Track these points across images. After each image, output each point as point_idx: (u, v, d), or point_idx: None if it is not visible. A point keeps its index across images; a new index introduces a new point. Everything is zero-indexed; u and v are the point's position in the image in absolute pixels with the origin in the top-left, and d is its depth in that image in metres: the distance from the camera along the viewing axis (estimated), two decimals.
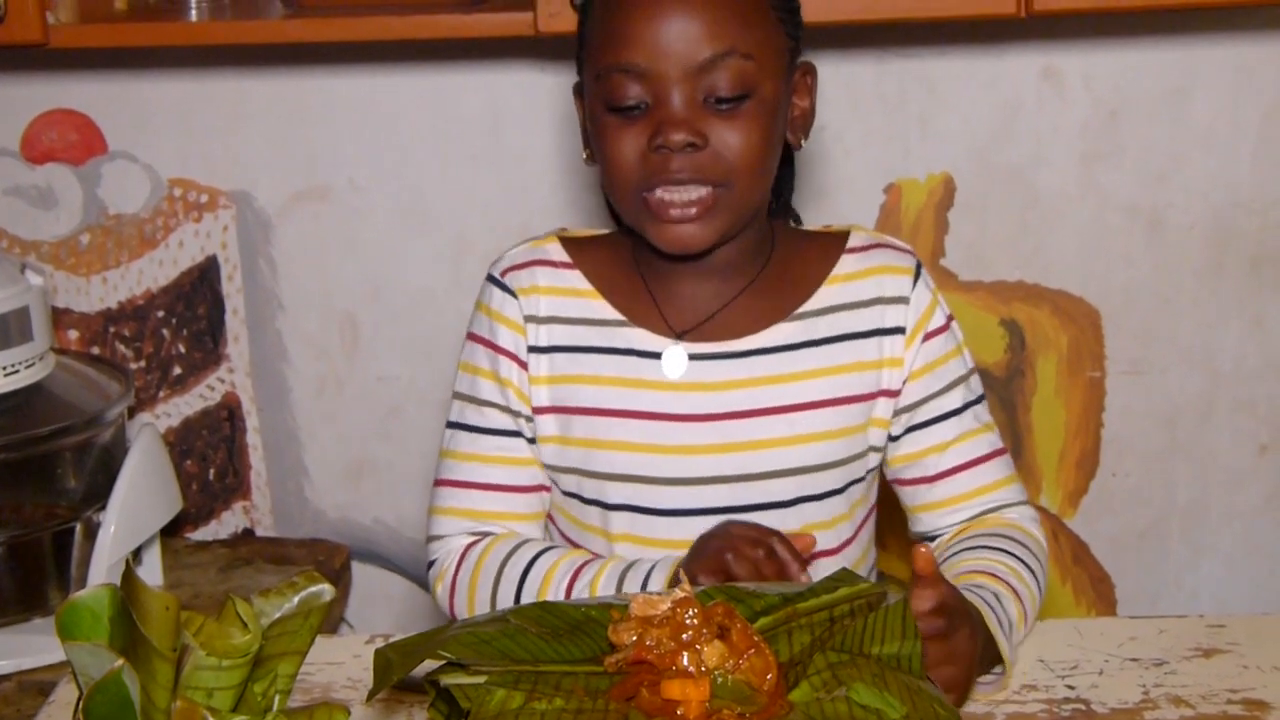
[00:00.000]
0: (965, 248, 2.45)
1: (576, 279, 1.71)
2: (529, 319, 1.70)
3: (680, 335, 1.67)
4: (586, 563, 1.63)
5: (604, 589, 1.59)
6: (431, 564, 1.72)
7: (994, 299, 2.46)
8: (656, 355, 1.67)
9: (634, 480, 1.66)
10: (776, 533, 1.53)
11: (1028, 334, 2.47)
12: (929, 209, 2.44)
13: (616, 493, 1.67)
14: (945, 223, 2.44)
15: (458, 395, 1.74)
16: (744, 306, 1.69)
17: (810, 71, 1.68)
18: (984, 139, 2.41)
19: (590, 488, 1.69)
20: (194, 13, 2.31)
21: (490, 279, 1.74)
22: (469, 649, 1.31)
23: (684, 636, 1.29)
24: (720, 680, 1.28)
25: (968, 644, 1.47)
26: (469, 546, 1.70)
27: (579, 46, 1.67)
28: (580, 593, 1.60)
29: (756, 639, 1.30)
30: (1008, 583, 1.61)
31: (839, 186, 2.43)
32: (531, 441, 1.71)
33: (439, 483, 1.73)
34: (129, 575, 0.91)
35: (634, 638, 1.30)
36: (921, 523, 1.77)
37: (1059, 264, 2.45)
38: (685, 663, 1.28)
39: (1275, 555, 2.55)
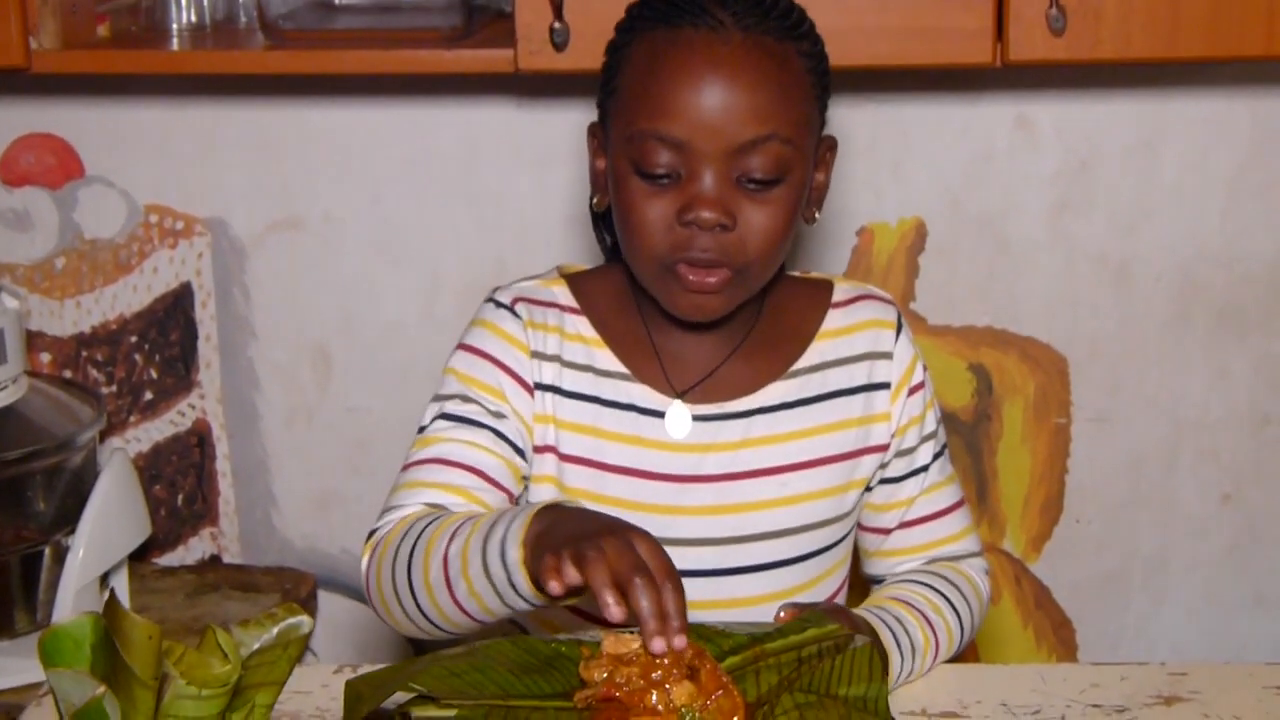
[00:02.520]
0: (935, 292, 2.47)
1: (583, 325, 1.69)
2: (535, 354, 1.67)
3: (681, 394, 1.67)
4: (464, 523, 1.51)
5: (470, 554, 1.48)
6: (371, 534, 1.61)
7: (962, 344, 2.48)
8: (659, 414, 1.66)
9: None
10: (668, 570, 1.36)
11: (995, 379, 2.49)
12: (900, 253, 2.46)
13: None
14: (916, 267, 2.46)
15: (438, 397, 1.68)
16: (741, 364, 1.69)
17: (832, 147, 1.68)
18: (956, 185, 2.44)
19: None
20: (175, 41, 2.32)
21: (497, 303, 1.71)
22: (440, 682, 1.32)
23: (654, 675, 1.30)
24: (688, 719, 1.29)
25: (851, 624, 1.51)
26: (414, 514, 1.60)
27: (605, 90, 1.65)
28: (454, 545, 1.50)
29: (725, 680, 1.31)
30: (922, 614, 1.65)
31: (811, 229, 2.44)
32: (517, 452, 1.66)
33: (404, 467, 1.66)
34: (112, 603, 0.92)
35: (604, 675, 1.32)
36: (873, 566, 1.79)
37: (1027, 311, 2.47)
38: (654, 701, 1.29)
39: (1235, 605, 2.57)
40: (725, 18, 1.56)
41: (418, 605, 1.53)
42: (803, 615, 1.44)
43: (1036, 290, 2.47)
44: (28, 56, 2.11)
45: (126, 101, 2.45)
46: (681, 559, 1.59)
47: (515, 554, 1.41)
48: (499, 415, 1.66)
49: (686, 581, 1.59)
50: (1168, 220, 2.44)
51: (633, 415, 1.67)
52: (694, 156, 1.54)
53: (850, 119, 2.41)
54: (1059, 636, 2.58)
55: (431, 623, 1.54)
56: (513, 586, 1.43)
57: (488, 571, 1.44)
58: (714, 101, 1.53)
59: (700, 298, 1.58)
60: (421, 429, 1.68)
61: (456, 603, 1.49)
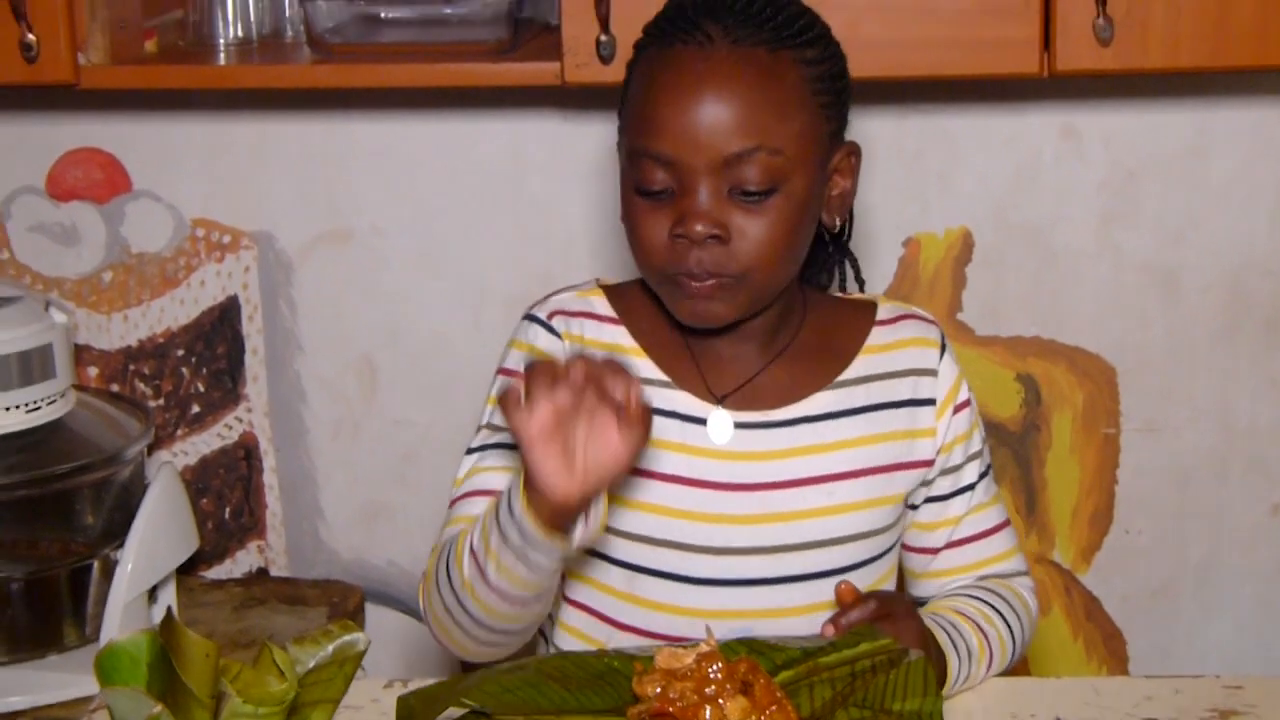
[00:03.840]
0: (982, 302, 2.46)
1: (622, 335, 1.70)
2: None
3: (721, 400, 1.67)
4: (478, 520, 1.57)
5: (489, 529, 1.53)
6: (423, 576, 1.68)
7: (1010, 354, 2.47)
8: (701, 420, 1.67)
9: (671, 546, 1.65)
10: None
11: (1043, 389, 2.48)
12: (947, 263, 2.45)
13: (651, 557, 1.66)
14: (963, 278, 2.45)
15: (480, 428, 1.72)
16: (783, 373, 1.69)
17: (854, 152, 1.68)
18: (1002, 196, 2.43)
19: (622, 548, 1.67)
20: (222, 56, 2.33)
21: (533, 319, 1.73)
22: (492, 697, 1.32)
23: (707, 690, 1.30)
24: None
25: (907, 614, 1.55)
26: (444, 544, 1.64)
27: (620, 110, 1.67)
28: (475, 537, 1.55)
29: (779, 695, 1.31)
30: (974, 621, 1.66)
31: (858, 240, 2.41)
32: None
33: (450, 505, 1.71)
34: (169, 621, 0.92)
35: (658, 690, 1.32)
36: (920, 588, 1.79)
37: (1075, 321, 2.46)
38: (708, 716, 1.30)
39: None
40: (715, 31, 1.57)
41: (466, 612, 1.55)
42: (856, 630, 1.44)
43: (1084, 300, 2.46)
44: (76, 72, 2.12)
45: (173, 116, 2.46)
46: (729, 568, 1.65)
47: (519, 505, 1.45)
48: None
49: (735, 590, 1.65)
50: (1216, 229, 2.43)
51: (676, 422, 1.67)
52: (684, 172, 1.56)
53: (897, 130, 2.40)
54: (1109, 648, 2.57)
55: (481, 625, 1.56)
56: (525, 539, 1.46)
57: (505, 538, 1.48)
58: (699, 117, 1.55)
59: (702, 304, 1.60)
60: (466, 454, 1.72)
61: (491, 586, 1.51)
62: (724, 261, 1.57)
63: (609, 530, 1.64)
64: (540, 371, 1.41)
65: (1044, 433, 2.50)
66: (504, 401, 1.42)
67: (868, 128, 2.40)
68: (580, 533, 1.48)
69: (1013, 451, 2.49)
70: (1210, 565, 2.54)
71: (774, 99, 1.57)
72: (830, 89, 1.62)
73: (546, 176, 2.44)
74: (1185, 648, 2.57)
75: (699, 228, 1.55)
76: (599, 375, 1.41)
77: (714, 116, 1.55)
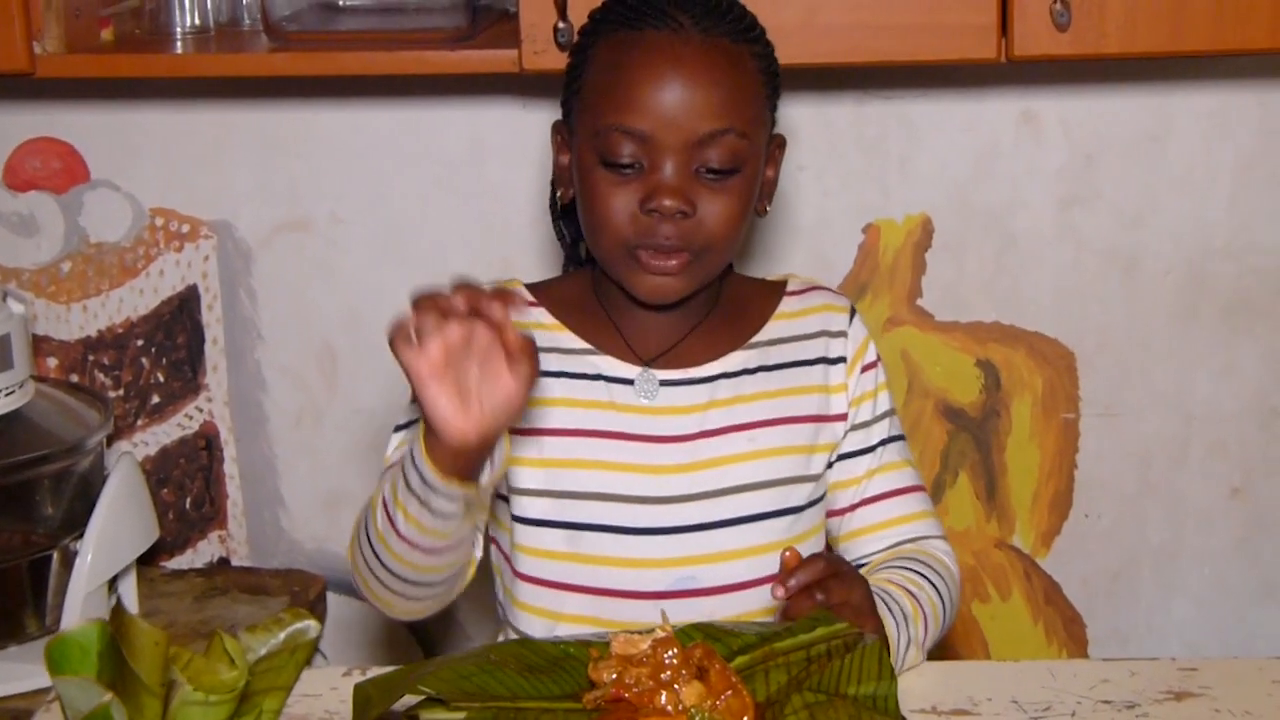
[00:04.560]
0: (942, 288, 2.47)
1: (541, 315, 1.78)
2: None
3: (646, 363, 1.75)
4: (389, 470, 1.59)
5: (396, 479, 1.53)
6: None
7: (970, 340, 2.48)
8: (627, 381, 1.74)
9: (609, 499, 1.71)
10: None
11: (1003, 375, 2.49)
12: (907, 249, 2.46)
13: (589, 512, 1.71)
14: (923, 263, 2.46)
15: (398, 428, 1.75)
16: (702, 337, 1.77)
17: (781, 144, 1.78)
18: (962, 181, 2.43)
19: (561, 509, 1.71)
20: (179, 45, 2.32)
21: None
22: (448, 685, 1.32)
23: (663, 676, 1.31)
24: (698, 719, 1.29)
25: (854, 574, 1.56)
26: None
27: (568, 90, 1.74)
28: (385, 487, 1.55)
29: (734, 680, 1.31)
30: (904, 587, 1.70)
31: (818, 226, 2.44)
32: None
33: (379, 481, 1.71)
34: (119, 611, 0.92)
35: (613, 676, 1.32)
36: (843, 553, 1.83)
37: (1035, 306, 2.47)
38: (663, 702, 1.30)
39: (1245, 598, 2.57)
40: (684, 20, 1.66)
41: (382, 564, 1.56)
42: (812, 614, 1.44)
43: (1044, 285, 2.46)
44: (32, 61, 2.11)
45: (131, 105, 2.45)
46: (666, 516, 1.71)
47: (419, 451, 1.46)
48: None
49: (674, 538, 1.71)
50: (1174, 214, 2.44)
51: (602, 384, 1.75)
52: (656, 148, 1.65)
53: (856, 115, 2.41)
54: (1069, 632, 2.58)
55: (397, 576, 1.56)
56: (427, 484, 1.46)
57: (409, 485, 1.48)
58: (675, 97, 1.64)
59: (661, 280, 1.68)
60: (396, 428, 1.76)
61: (401, 536, 1.52)
62: (689, 235, 1.65)
63: (548, 494, 1.71)
64: (426, 304, 1.41)
65: (1004, 418, 2.50)
66: (393, 337, 1.41)
67: (828, 112, 2.41)
68: (485, 476, 1.49)
69: (973, 437, 2.50)
70: (1169, 549, 2.55)
71: (740, 85, 1.67)
72: (771, 83, 1.73)
73: (505, 163, 2.44)
74: (1145, 631, 2.58)
75: (669, 202, 1.63)
76: (480, 300, 1.41)
77: (690, 98, 1.64)
